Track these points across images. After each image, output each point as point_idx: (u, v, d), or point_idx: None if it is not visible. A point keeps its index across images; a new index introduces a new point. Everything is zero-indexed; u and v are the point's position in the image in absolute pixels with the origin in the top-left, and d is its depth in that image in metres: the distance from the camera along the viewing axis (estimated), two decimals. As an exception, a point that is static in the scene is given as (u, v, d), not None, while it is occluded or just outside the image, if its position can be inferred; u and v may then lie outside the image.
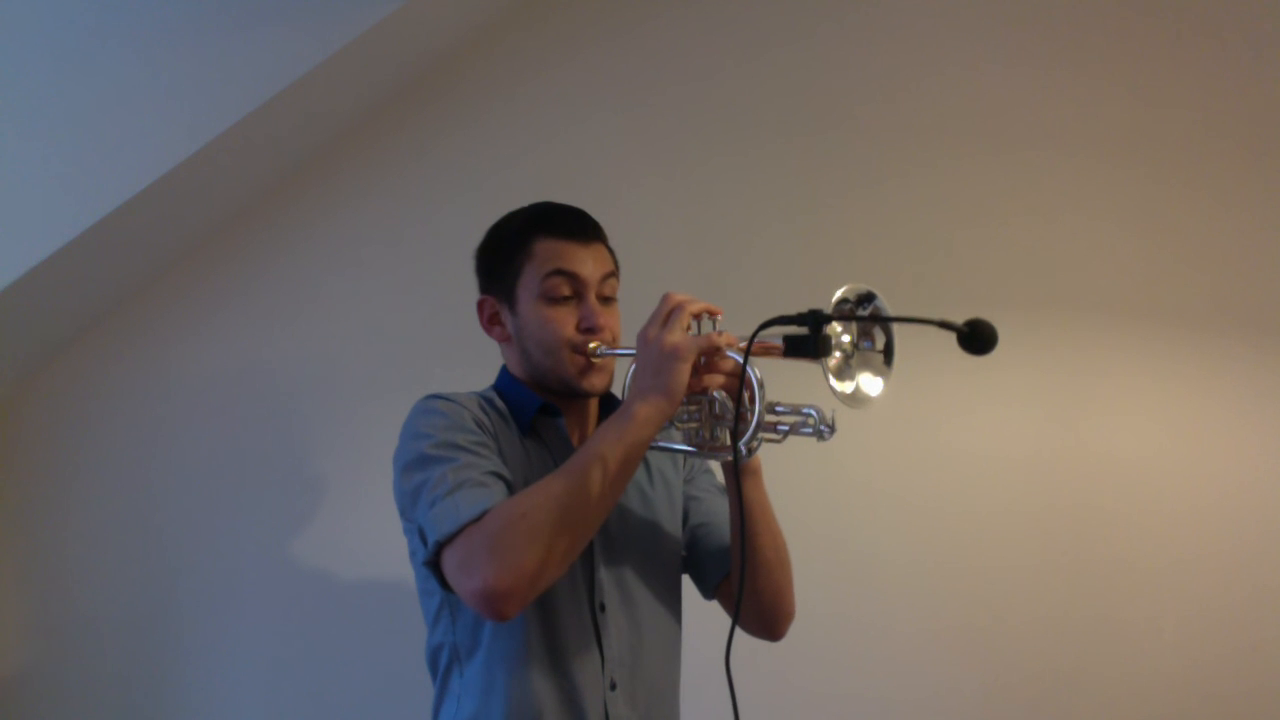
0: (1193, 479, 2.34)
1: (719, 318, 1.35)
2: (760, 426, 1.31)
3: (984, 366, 2.23)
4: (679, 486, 1.60)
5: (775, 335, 1.26)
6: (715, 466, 1.63)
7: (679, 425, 1.42)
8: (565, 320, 1.45)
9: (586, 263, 1.47)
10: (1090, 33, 2.42)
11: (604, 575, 1.45)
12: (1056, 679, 2.29)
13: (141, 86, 1.91)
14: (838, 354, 1.27)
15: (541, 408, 1.48)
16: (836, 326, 1.27)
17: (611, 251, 1.53)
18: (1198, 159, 2.40)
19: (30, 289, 1.91)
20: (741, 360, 1.28)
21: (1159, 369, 2.37)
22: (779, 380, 1.41)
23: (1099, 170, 2.40)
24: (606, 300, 1.50)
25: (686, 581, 1.59)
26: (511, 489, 1.35)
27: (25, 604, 2.13)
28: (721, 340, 1.31)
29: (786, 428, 1.33)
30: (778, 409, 1.34)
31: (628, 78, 2.35)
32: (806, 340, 1.22)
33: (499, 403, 1.50)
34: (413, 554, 1.42)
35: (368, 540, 2.14)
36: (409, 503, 1.36)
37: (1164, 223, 2.39)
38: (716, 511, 1.57)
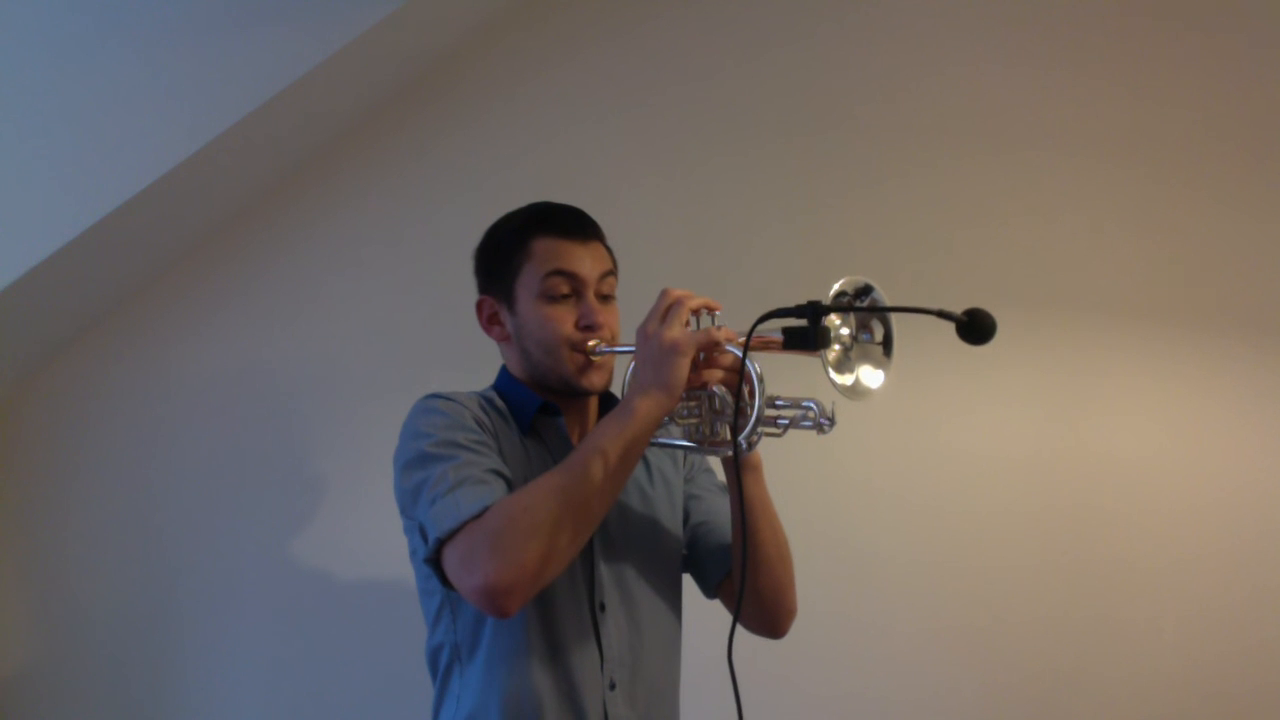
0: (1193, 479, 2.34)
1: (718, 313, 1.35)
2: (760, 420, 1.31)
3: (984, 366, 2.26)
4: (679, 485, 1.60)
5: (774, 329, 1.27)
6: (715, 465, 1.63)
7: (679, 421, 1.42)
8: (564, 319, 1.45)
9: (585, 261, 1.47)
10: (1090, 33, 2.42)
11: (604, 574, 1.45)
12: (1056, 679, 2.28)
13: (141, 86, 1.91)
14: (837, 346, 1.27)
15: (541, 407, 1.48)
16: (835, 319, 1.27)
17: (610, 250, 1.53)
18: (1198, 159, 2.41)
19: (30, 289, 1.91)
20: (741, 355, 1.29)
21: (1159, 369, 2.37)
22: (778, 374, 1.41)
23: (1099, 170, 2.40)
24: (605, 299, 1.50)
25: (687, 581, 1.59)
26: (511, 487, 1.35)
27: (25, 604, 2.13)
28: (720, 335, 1.31)
29: (787, 421, 1.33)
30: (777, 403, 1.34)
31: (628, 78, 2.35)
32: (805, 333, 1.23)
33: (499, 402, 1.50)
34: (413, 553, 1.42)
35: (368, 540, 2.14)
36: (409, 501, 1.36)
37: (1164, 223, 2.40)
38: (717, 510, 1.57)
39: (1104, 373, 2.36)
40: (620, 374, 1.46)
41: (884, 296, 1.27)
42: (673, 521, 1.57)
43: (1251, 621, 2.31)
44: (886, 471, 2.30)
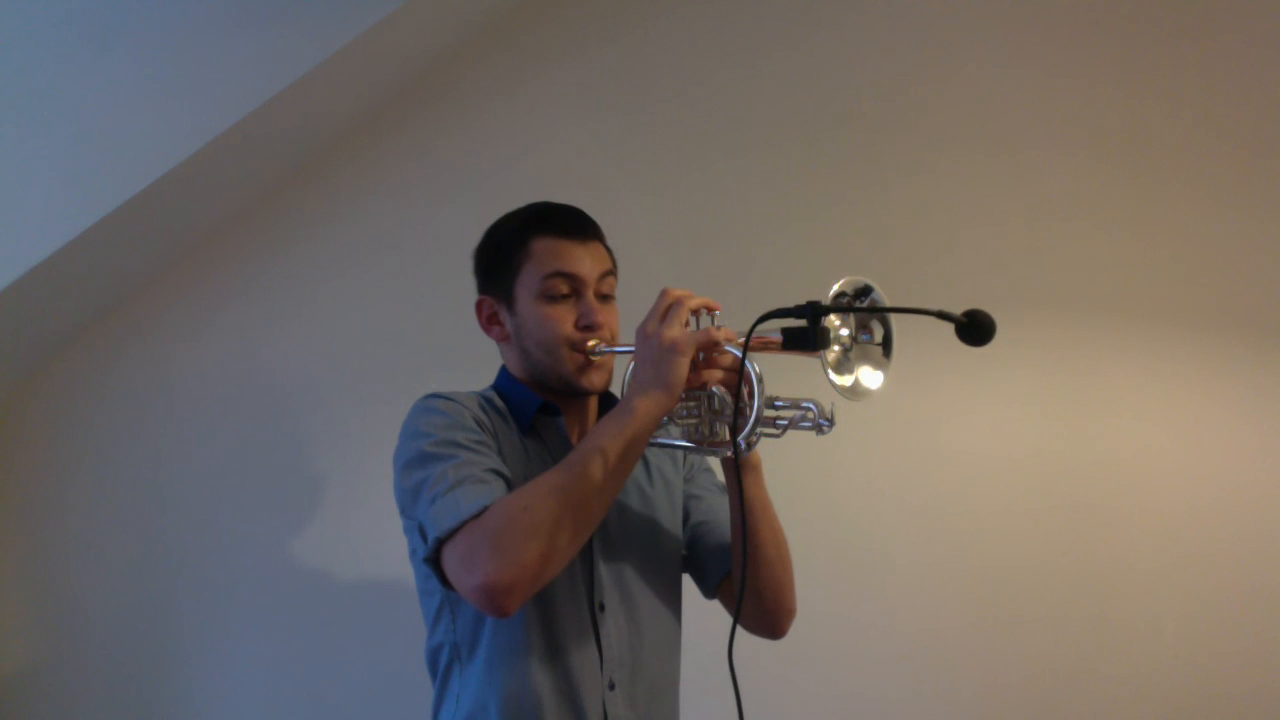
0: (1193, 479, 2.34)
1: (717, 313, 1.35)
2: (759, 421, 1.31)
3: (984, 366, 2.26)
4: (679, 485, 1.60)
5: (773, 329, 1.27)
6: (715, 465, 1.63)
7: (678, 422, 1.42)
8: (564, 318, 1.45)
9: (584, 261, 1.47)
10: (1090, 33, 2.42)
11: (603, 574, 1.45)
12: (1056, 679, 2.28)
13: (141, 86, 1.91)
14: (836, 347, 1.27)
15: (541, 407, 1.48)
16: (835, 319, 1.27)
17: (609, 250, 1.53)
18: (1198, 159, 2.41)
19: (30, 289, 1.91)
20: (740, 354, 1.29)
21: (1159, 369, 2.37)
22: (778, 375, 1.41)
23: (1099, 170, 2.40)
24: (605, 298, 1.50)
25: (687, 581, 1.59)
26: (511, 487, 1.35)
27: (25, 603, 2.13)
28: (720, 335, 1.31)
29: (786, 422, 1.33)
30: (777, 403, 1.34)
31: (628, 78, 2.35)
32: (805, 333, 1.23)
33: (499, 402, 1.50)
34: (413, 552, 1.42)
35: (368, 540, 2.14)
36: (409, 500, 1.36)
37: (1164, 223, 2.40)
38: (717, 510, 1.57)
39: (1104, 373, 2.36)
40: (620, 374, 1.46)
41: (884, 297, 1.27)
42: (672, 521, 1.57)
43: (1251, 621, 2.31)
44: (886, 471, 2.30)
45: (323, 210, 2.26)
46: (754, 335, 1.27)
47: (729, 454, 1.36)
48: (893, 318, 1.29)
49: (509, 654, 1.38)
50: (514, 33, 2.32)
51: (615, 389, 1.51)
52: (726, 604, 1.55)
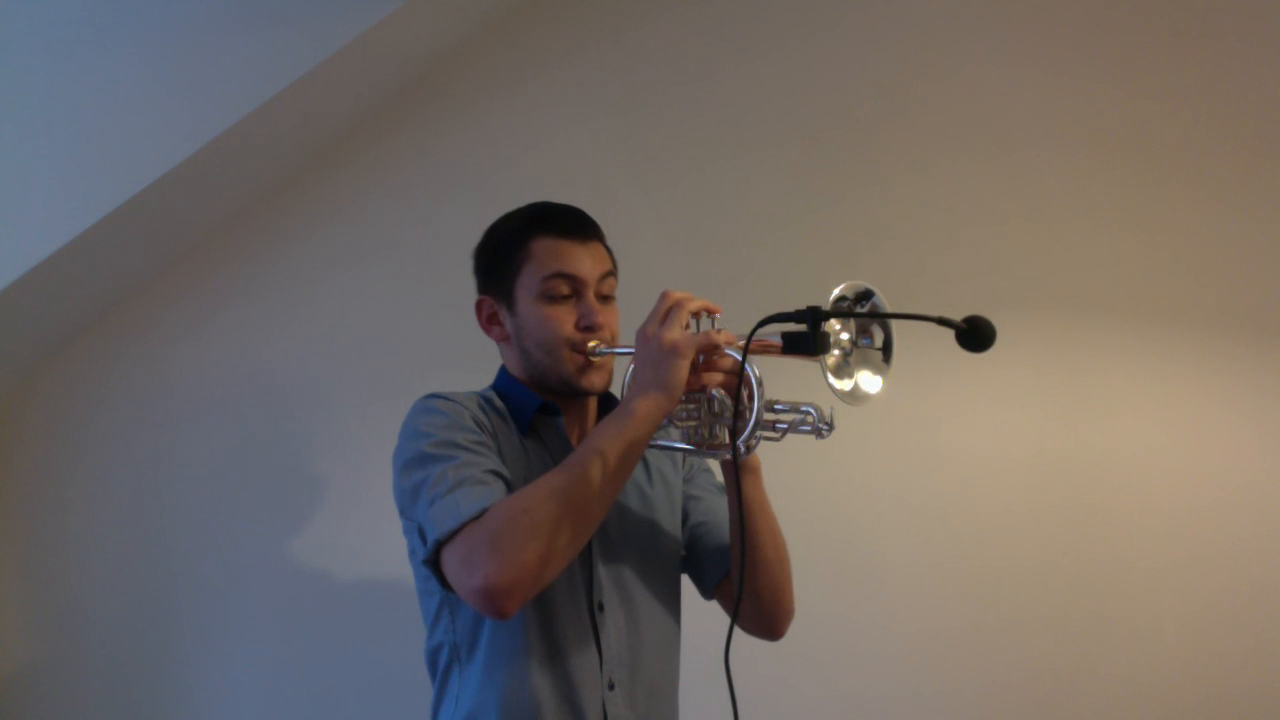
0: (1193, 479, 2.34)
1: (718, 315, 1.35)
2: (759, 424, 1.31)
3: (984, 366, 2.24)
4: (678, 486, 1.60)
5: (774, 333, 1.27)
6: (714, 465, 1.63)
7: (678, 424, 1.42)
8: (564, 319, 1.45)
9: (584, 261, 1.47)
10: (1090, 33, 2.42)
11: (602, 574, 1.45)
12: (1056, 679, 2.28)
13: (141, 86, 1.91)
14: (836, 351, 1.27)
15: (541, 407, 1.48)
16: (835, 324, 1.27)
17: (609, 250, 1.53)
18: (1198, 159, 2.40)
19: (30, 289, 1.91)
20: (740, 358, 1.29)
21: (1159, 369, 2.37)
22: (778, 378, 1.41)
23: (1099, 170, 2.40)
24: (605, 299, 1.50)
25: (686, 581, 1.59)
26: (511, 488, 1.35)
27: (25, 603, 2.13)
28: (720, 338, 1.31)
29: (785, 425, 1.33)
30: (776, 407, 1.34)
31: (628, 78, 2.35)
32: (805, 337, 1.23)
33: (498, 402, 1.50)
34: (412, 553, 1.42)
35: (368, 540, 2.14)
36: (409, 501, 1.36)
37: (1164, 223, 2.39)
38: (716, 510, 1.57)
39: (1104, 373, 2.36)
40: (620, 375, 1.46)
41: (884, 302, 1.27)
42: (671, 522, 1.57)
43: (1251, 621, 2.31)
44: (887, 472, 2.30)
45: (323, 210, 2.26)
46: (754, 339, 1.27)
47: (728, 456, 1.36)
48: (893, 321, 1.29)
49: (508, 654, 1.38)
50: (514, 33, 2.32)
51: (615, 390, 1.51)
52: (725, 605, 1.55)
